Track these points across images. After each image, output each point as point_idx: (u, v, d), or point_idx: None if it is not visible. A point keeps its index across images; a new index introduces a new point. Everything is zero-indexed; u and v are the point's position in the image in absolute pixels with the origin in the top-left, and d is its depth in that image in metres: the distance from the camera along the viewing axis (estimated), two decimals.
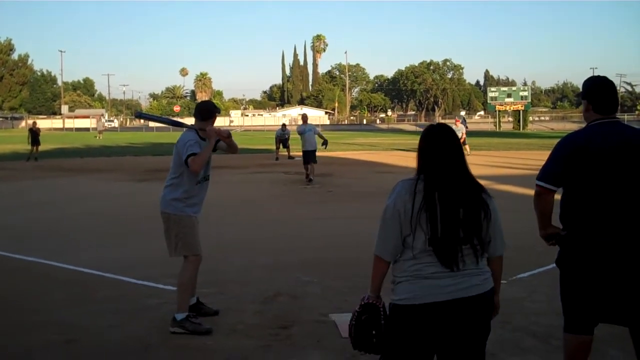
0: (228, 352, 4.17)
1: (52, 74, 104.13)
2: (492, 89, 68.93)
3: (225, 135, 4.71)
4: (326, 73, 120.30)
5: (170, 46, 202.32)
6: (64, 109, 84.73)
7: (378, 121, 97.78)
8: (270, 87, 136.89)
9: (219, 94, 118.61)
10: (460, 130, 22.80)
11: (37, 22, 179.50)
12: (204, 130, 4.60)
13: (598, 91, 3.12)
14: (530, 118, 71.87)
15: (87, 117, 79.95)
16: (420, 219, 2.44)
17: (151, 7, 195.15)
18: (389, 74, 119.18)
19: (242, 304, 5.21)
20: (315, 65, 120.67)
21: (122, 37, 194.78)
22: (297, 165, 15.62)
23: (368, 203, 10.65)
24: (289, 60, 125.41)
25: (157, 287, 5.70)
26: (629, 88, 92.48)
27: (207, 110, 4.75)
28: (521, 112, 61.72)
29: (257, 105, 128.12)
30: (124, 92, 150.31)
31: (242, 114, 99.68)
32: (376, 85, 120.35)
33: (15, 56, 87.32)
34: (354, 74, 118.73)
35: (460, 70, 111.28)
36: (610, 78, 3.19)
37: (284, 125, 24.67)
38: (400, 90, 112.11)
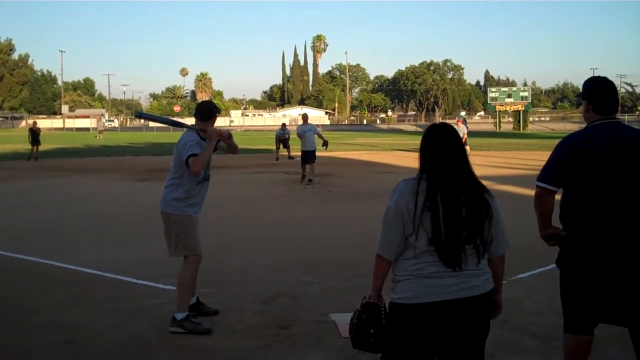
0: (228, 352, 4.17)
1: (53, 74, 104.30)
2: (493, 89, 68.94)
3: (226, 136, 4.71)
4: (326, 73, 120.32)
5: (171, 46, 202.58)
6: (64, 108, 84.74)
7: (378, 121, 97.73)
8: (271, 87, 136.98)
9: (219, 94, 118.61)
10: (462, 130, 22.80)
11: (38, 22, 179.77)
12: (204, 130, 4.61)
13: (598, 92, 3.12)
14: (531, 118, 71.88)
15: (88, 117, 79.94)
16: (423, 218, 2.44)
17: (151, 7, 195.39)
18: (389, 74, 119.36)
19: (242, 304, 5.21)
20: (315, 65, 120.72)
21: (123, 37, 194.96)
22: (297, 165, 15.62)
23: (368, 203, 10.65)
24: (289, 61, 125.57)
25: (157, 287, 5.70)
26: (629, 89, 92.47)
27: (207, 111, 4.75)
28: (521, 112, 61.71)
29: (258, 105, 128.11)
30: (124, 92, 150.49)
31: (242, 114, 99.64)
32: (376, 85, 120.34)
33: (15, 56, 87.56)
34: (354, 74, 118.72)
35: (461, 71, 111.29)
36: (611, 78, 3.19)
37: (283, 124, 24.62)
38: (400, 90, 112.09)
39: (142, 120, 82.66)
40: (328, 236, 8.28)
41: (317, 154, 15.13)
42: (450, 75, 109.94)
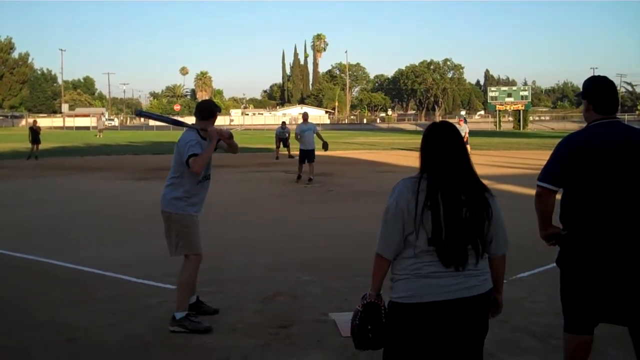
0: (227, 351, 4.17)
1: (53, 73, 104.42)
2: (493, 88, 68.87)
3: (226, 136, 4.71)
4: (326, 72, 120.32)
5: (171, 45, 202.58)
6: (64, 107, 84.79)
7: (378, 120, 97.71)
8: (271, 86, 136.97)
9: (219, 93, 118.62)
10: (463, 129, 22.80)
11: (38, 21, 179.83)
12: (205, 130, 4.60)
13: (599, 91, 3.12)
14: (531, 118, 71.86)
15: (88, 115, 79.99)
16: (424, 218, 2.43)
17: (151, 7, 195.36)
18: (389, 73, 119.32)
19: (242, 303, 5.21)
20: (315, 64, 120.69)
21: (123, 36, 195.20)
22: (297, 164, 15.57)
23: (368, 202, 10.65)
24: (289, 60, 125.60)
25: (156, 285, 5.70)
26: (629, 88, 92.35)
27: (207, 110, 4.75)
28: (521, 111, 61.70)
29: (258, 104, 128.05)
30: (124, 91, 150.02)
31: (242, 113, 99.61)
32: (376, 84, 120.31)
33: (15, 55, 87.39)
34: (354, 74, 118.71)
35: (461, 70, 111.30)
36: (611, 78, 3.19)
37: (283, 123, 24.55)
38: (400, 89, 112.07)
39: (142, 119, 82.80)
40: (328, 236, 8.27)
41: (317, 153, 15.08)
42: (450, 75, 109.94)
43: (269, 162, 21.16)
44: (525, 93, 64.00)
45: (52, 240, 8.01)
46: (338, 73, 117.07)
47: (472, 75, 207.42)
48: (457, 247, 2.44)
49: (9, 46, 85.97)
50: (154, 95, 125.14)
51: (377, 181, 14.64)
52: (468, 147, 21.53)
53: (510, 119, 66.99)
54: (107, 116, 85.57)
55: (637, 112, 78.91)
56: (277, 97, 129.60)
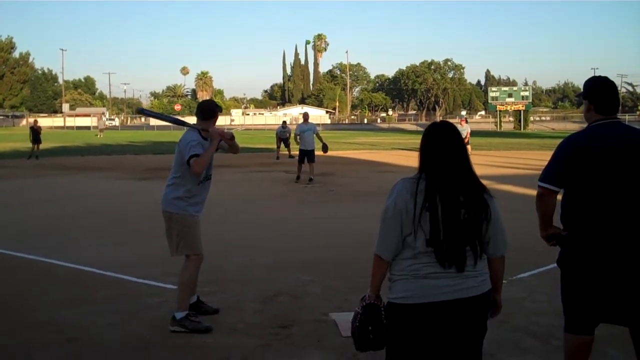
0: (228, 350, 4.17)
1: (53, 72, 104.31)
2: (493, 88, 68.84)
3: (228, 137, 4.71)
4: (327, 72, 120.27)
5: (171, 45, 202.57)
6: (65, 107, 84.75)
7: (379, 120, 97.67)
8: (271, 86, 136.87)
9: (220, 92, 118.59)
10: (465, 129, 22.80)
11: (38, 21, 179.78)
12: (206, 130, 4.61)
13: (600, 91, 3.12)
14: (531, 118, 71.82)
15: (88, 115, 79.98)
16: (422, 219, 2.43)
17: (152, 7, 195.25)
18: (390, 73, 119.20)
19: (243, 303, 5.21)
20: (316, 64, 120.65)
21: (123, 36, 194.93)
22: (297, 164, 15.56)
23: (369, 202, 10.64)
24: (290, 60, 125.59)
25: (157, 285, 5.70)
26: (630, 88, 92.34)
27: (208, 110, 4.75)
28: (522, 112, 61.67)
29: (258, 104, 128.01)
30: (124, 91, 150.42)
31: (243, 113, 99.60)
32: (377, 84, 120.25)
33: (16, 54, 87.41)
34: (355, 74, 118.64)
35: (461, 70, 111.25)
36: (611, 78, 3.19)
37: (284, 122, 24.52)
38: (401, 89, 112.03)
39: (142, 119, 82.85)
40: (328, 236, 8.28)
41: (317, 153, 15.06)
42: (451, 75, 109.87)
43: (269, 162, 21.17)
44: (526, 93, 63.97)
45: (52, 240, 8.01)
46: (339, 73, 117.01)
47: (473, 75, 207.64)
48: (455, 249, 2.43)
49: (9, 46, 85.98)
50: (154, 95, 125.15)
51: (378, 181, 14.63)
52: (469, 147, 21.51)
53: (511, 119, 66.95)
54: (107, 116, 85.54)
55: (637, 112, 78.84)
56: (277, 97, 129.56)
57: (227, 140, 4.72)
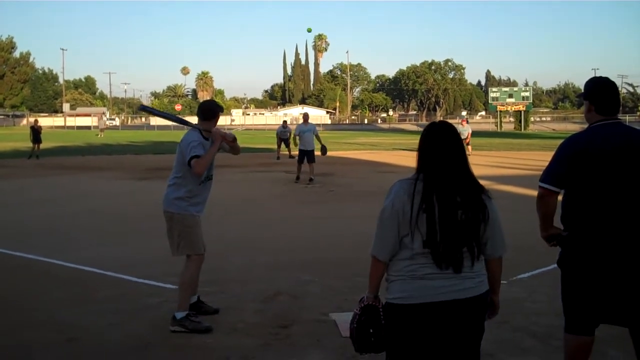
0: (228, 350, 4.17)
1: (54, 72, 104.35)
2: (494, 89, 68.87)
3: (230, 140, 4.72)
4: (328, 72, 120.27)
5: (172, 45, 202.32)
6: (66, 107, 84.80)
7: (379, 121, 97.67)
8: (272, 86, 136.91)
9: (220, 92, 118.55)
10: (466, 130, 22.79)
11: (39, 21, 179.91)
12: (208, 130, 4.61)
13: (600, 92, 3.12)
14: (532, 118, 71.81)
15: (89, 115, 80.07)
16: (419, 220, 2.42)
17: (152, 6, 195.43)
18: (391, 73, 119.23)
19: (243, 302, 5.21)
20: (316, 64, 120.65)
21: (124, 35, 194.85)
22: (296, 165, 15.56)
23: (369, 203, 10.62)
24: (290, 60, 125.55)
25: (157, 285, 5.70)
26: (631, 89, 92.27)
27: (209, 110, 4.75)
28: (522, 112, 61.69)
29: (259, 104, 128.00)
30: (125, 91, 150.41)
31: (243, 113, 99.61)
32: (377, 85, 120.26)
33: (17, 54, 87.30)
34: (356, 74, 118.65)
35: (462, 71, 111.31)
36: (612, 79, 3.19)
37: (285, 122, 24.50)
38: (401, 90, 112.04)
39: (143, 119, 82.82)
40: (328, 236, 8.28)
41: (316, 154, 15.05)
42: (451, 75, 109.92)
43: (269, 162, 21.17)
44: (527, 94, 63.98)
45: (53, 240, 8.02)
46: (339, 73, 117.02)
47: (473, 75, 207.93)
48: (452, 250, 2.43)
49: (10, 45, 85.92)
50: (155, 95, 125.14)
51: (378, 181, 14.62)
52: (469, 147, 21.48)
53: (512, 119, 66.98)
54: (108, 116, 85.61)
55: (638, 113, 78.80)
56: (278, 97, 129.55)
57: (228, 143, 4.72)
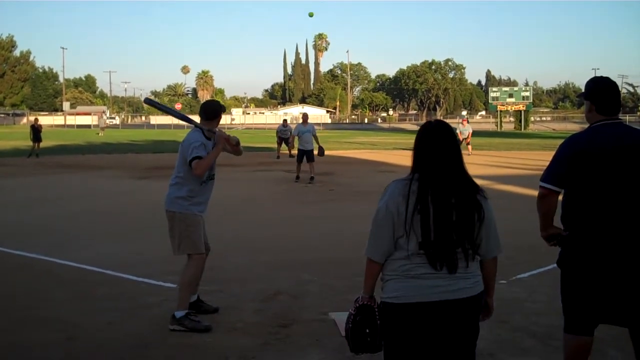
0: (227, 350, 4.17)
1: (54, 71, 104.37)
2: (494, 89, 68.86)
3: (233, 143, 4.72)
4: (328, 72, 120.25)
5: (172, 44, 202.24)
6: (66, 105, 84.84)
7: (379, 120, 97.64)
8: (272, 86, 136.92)
9: (221, 92, 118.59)
10: (467, 130, 22.79)
11: (39, 19, 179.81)
12: (210, 130, 4.60)
13: (601, 92, 3.12)
14: (532, 118, 71.84)
15: (89, 114, 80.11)
16: (414, 221, 2.41)
17: (153, 5, 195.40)
18: (391, 73, 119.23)
19: (242, 302, 5.21)
20: (317, 63, 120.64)
21: (124, 34, 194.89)
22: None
23: (369, 202, 10.58)
24: (290, 59, 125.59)
25: (157, 284, 5.70)
26: (631, 89, 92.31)
27: (212, 110, 4.75)
28: (523, 112, 61.74)
29: (259, 103, 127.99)
30: (125, 90, 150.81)
31: (243, 112, 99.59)
32: (378, 84, 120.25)
33: (17, 53, 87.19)
34: (356, 73, 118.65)
35: (462, 70, 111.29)
36: (612, 79, 3.19)
37: (285, 121, 24.48)
38: (401, 89, 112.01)
39: (143, 117, 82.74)
40: (328, 235, 8.27)
41: (316, 153, 15.05)
42: (451, 75, 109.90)
43: (269, 162, 21.17)
44: (527, 93, 64.02)
45: (52, 239, 8.01)
46: (339, 73, 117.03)
47: (474, 75, 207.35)
48: (447, 250, 2.42)
49: (10, 44, 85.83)
50: (155, 94, 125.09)
51: (378, 181, 14.60)
52: (470, 147, 21.45)
53: (512, 119, 66.99)
54: (108, 114, 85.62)
55: (638, 113, 78.82)
56: (278, 96, 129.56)
57: (232, 147, 4.72)
